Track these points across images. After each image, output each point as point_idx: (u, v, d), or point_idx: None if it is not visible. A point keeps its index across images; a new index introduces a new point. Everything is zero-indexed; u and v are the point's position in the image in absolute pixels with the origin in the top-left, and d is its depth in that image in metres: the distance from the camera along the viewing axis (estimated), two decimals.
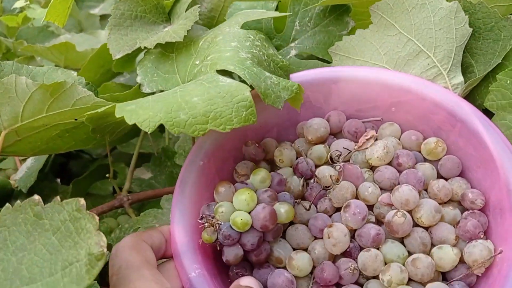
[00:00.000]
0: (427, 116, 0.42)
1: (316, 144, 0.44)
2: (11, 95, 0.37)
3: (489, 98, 0.41)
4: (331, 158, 0.42)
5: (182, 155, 0.55)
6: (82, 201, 0.27)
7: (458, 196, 0.40)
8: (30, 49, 0.69)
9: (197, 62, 0.42)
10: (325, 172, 0.41)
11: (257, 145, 0.43)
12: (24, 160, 0.65)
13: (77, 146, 0.48)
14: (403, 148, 0.43)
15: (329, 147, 0.44)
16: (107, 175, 0.53)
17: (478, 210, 0.39)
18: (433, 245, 0.38)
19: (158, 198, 0.51)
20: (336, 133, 0.46)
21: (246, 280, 0.37)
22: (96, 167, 0.64)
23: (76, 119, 0.39)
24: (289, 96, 0.38)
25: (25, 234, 0.27)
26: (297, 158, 0.43)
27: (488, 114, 0.41)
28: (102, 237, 0.26)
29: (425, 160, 0.42)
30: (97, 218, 0.27)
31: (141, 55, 0.46)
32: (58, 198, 0.28)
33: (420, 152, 0.43)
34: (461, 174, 0.41)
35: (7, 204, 0.28)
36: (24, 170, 0.61)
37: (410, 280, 0.37)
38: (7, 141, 0.41)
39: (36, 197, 0.28)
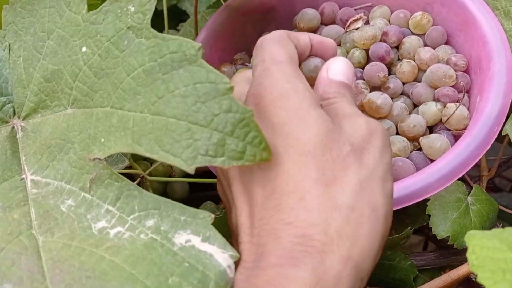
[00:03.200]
0: None
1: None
2: None
3: None
4: None
5: None
6: None
7: (444, 61, 0.42)
8: None
9: None
10: None
11: None
12: None
13: None
14: None
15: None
16: None
17: (462, 71, 0.41)
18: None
19: None
20: (331, 24, 0.49)
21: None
22: None
23: None
24: None
25: None
26: None
27: None
28: None
29: (413, 34, 0.45)
30: None
31: None
32: None
33: (409, 28, 0.45)
34: (446, 42, 0.44)
35: None
36: None
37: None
38: None
39: None
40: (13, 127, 0.31)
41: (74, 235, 0.26)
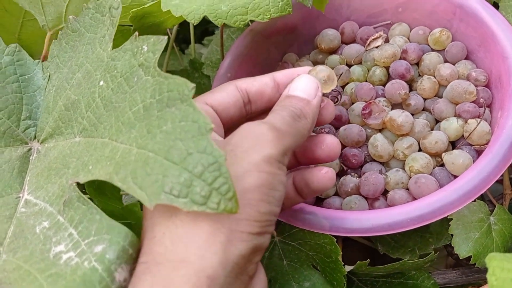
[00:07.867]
0: (431, 10, 0.45)
1: (328, 52, 0.49)
2: None
3: None
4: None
5: (209, 65, 0.59)
6: None
7: (464, 76, 0.43)
8: None
9: None
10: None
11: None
12: None
13: None
14: None
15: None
16: None
17: (482, 86, 0.42)
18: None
19: None
20: (351, 43, 0.50)
21: None
22: None
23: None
24: None
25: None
26: None
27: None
28: None
29: (433, 50, 0.46)
30: None
31: None
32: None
33: (428, 44, 0.46)
34: (466, 58, 0.44)
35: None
36: None
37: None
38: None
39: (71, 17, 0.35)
40: (30, 149, 0.33)
41: (31, 257, 0.26)
